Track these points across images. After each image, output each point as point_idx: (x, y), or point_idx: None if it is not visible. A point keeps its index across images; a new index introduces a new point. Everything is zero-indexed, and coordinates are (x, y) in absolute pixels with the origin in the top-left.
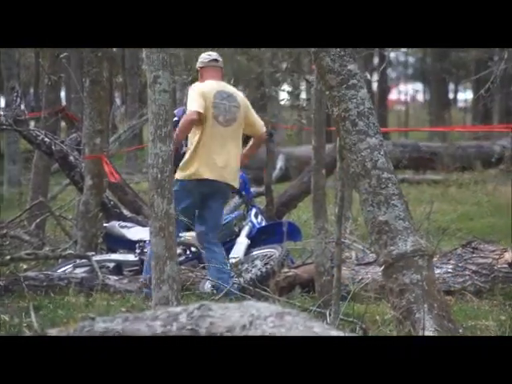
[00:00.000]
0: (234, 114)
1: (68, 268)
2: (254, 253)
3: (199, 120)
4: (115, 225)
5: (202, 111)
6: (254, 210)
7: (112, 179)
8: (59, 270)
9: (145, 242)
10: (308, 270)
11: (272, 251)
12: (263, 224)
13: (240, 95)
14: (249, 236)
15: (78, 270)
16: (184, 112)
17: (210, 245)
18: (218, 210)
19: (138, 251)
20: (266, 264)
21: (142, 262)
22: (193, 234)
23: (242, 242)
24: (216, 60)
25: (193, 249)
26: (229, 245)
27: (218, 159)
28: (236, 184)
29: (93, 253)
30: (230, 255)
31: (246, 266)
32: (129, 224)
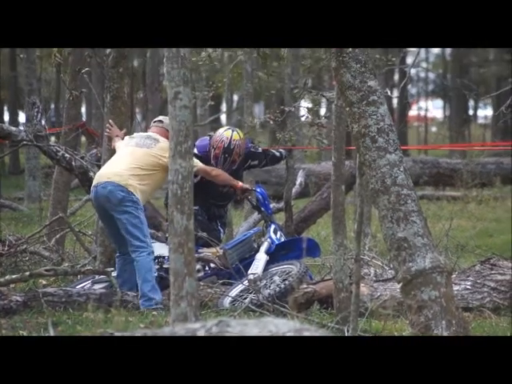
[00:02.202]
0: (149, 144)
1: (87, 284)
2: (273, 269)
3: None
4: None
5: None
6: (273, 226)
7: None
8: (78, 286)
9: (164, 257)
10: (326, 286)
11: (290, 267)
12: (282, 240)
13: (162, 142)
14: (267, 252)
15: (96, 286)
16: (208, 147)
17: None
18: (120, 221)
19: (156, 267)
20: (284, 280)
21: (161, 277)
22: (212, 249)
23: (260, 259)
24: (160, 121)
25: (212, 265)
26: (248, 261)
27: (105, 166)
28: (120, 181)
29: (112, 269)
30: (249, 271)
31: (264, 282)
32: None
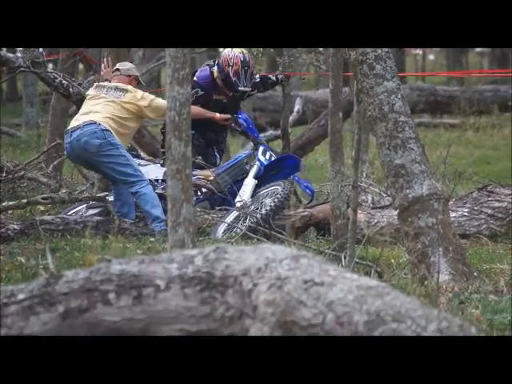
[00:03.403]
0: (119, 95)
1: (81, 208)
2: (263, 191)
3: None
4: None
5: None
6: (261, 148)
7: None
8: (72, 210)
9: (157, 181)
10: (323, 210)
11: (277, 188)
12: (273, 159)
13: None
14: (256, 176)
15: (91, 211)
16: (209, 76)
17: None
18: (106, 166)
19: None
20: (274, 200)
21: None
22: (206, 172)
23: (247, 184)
24: (117, 69)
25: (204, 190)
26: (240, 184)
27: (75, 119)
28: (96, 126)
29: (107, 193)
30: (236, 198)
31: (253, 206)
32: (142, 162)
